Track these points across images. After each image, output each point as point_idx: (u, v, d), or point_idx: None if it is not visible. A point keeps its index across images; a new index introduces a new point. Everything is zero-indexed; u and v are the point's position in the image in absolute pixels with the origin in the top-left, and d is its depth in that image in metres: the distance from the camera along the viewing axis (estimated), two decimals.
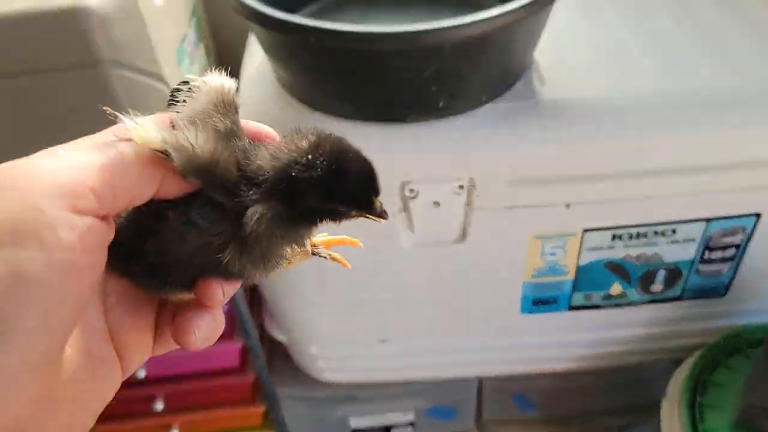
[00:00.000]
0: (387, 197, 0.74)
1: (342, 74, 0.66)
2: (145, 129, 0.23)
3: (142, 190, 0.23)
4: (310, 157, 0.25)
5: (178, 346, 0.27)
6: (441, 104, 0.67)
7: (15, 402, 0.20)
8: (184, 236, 0.24)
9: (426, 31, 0.57)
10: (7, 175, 0.21)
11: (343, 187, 0.25)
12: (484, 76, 0.67)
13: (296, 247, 0.27)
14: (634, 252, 0.83)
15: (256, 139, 0.27)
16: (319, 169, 0.25)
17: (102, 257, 0.22)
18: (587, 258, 0.83)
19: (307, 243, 0.30)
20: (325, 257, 0.32)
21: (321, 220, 0.27)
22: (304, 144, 0.25)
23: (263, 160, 0.25)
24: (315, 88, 0.70)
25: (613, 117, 0.71)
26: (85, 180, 0.21)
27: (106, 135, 0.24)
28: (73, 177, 0.21)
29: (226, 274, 0.26)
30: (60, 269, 0.20)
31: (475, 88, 0.68)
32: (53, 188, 0.20)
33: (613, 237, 0.81)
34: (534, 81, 0.74)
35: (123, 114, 0.23)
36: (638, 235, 0.81)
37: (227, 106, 0.26)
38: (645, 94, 0.72)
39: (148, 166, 0.23)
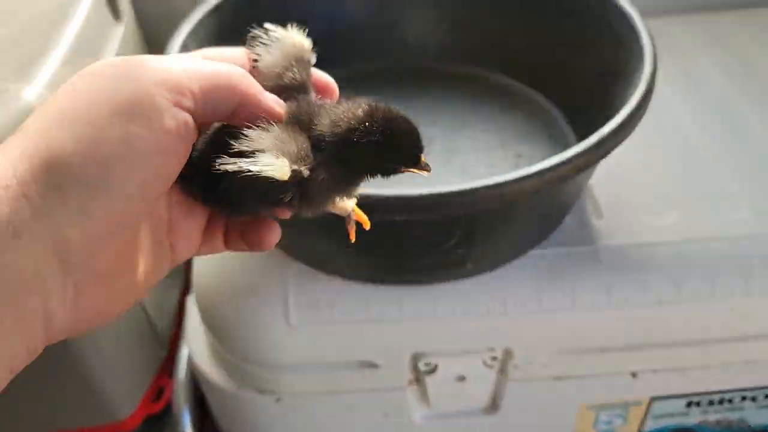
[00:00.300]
0: (395, 369, 0.56)
1: (332, 238, 0.48)
2: (280, 167, 0.26)
3: (223, 108, 0.26)
4: (366, 124, 0.28)
5: (222, 252, 0.32)
6: (468, 266, 0.49)
7: (109, 249, 0.24)
8: (255, 181, 0.26)
9: (451, 196, 0.39)
10: (132, 65, 0.24)
11: (396, 149, 0.29)
12: (524, 230, 0.49)
13: (345, 198, 0.31)
14: (713, 417, 0.64)
15: (322, 90, 0.31)
16: (376, 134, 0.28)
17: (188, 149, 0.25)
18: (653, 425, 0.64)
19: (353, 196, 0.33)
20: (352, 219, 0.35)
21: (372, 176, 0.30)
22: (360, 112, 0.28)
23: (324, 127, 0.28)
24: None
25: (698, 270, 0.53)
26: (188, 83, 0.25)
27: (196, 55, 0.28)
28: (179, 77, 0.25)
29: (285, 208, 0.29)
30: (159, 149, 0.24)
31: (512, 243, 0.50)
32: (165, 82, 0.24)
33: (689, 404, 0.62)
34: (589, 214, 0.56)
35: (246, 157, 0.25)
36: (721, 401, 0.62)
37: (303, 62, 0.30)
38: (738, 238, 0.54)
39: (232, 88, 0.26)
